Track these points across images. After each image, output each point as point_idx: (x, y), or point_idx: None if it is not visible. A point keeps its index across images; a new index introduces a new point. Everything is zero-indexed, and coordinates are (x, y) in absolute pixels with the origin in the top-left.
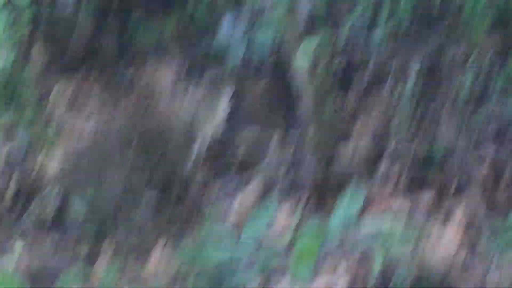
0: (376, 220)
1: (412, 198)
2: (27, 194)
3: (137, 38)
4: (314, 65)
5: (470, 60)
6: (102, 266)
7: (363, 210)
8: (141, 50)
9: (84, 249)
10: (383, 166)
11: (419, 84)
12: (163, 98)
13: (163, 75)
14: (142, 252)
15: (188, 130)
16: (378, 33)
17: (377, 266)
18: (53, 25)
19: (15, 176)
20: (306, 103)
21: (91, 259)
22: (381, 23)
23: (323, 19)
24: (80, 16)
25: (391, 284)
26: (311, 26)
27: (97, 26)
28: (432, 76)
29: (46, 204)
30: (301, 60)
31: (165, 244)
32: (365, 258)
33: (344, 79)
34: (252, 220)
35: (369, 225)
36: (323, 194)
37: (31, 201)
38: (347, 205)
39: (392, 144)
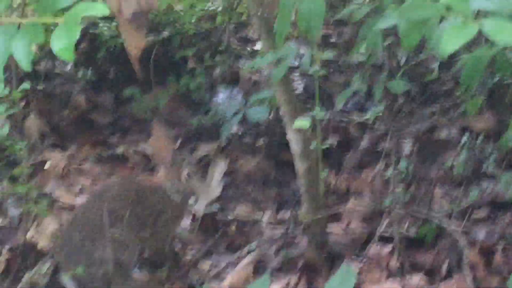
0: None
1: (402, 280)
2: (17, 267)
3: (131, 111)
4: (307, 143)
5: (463, 139)
6: None
7: None
8: (134, 123)
9: None
10: (373, 247)
11: (412, 163)
12: (156, 172)
13: (157, 148)
14: None
15: (180, 205)
16: (372, 111)
17: None
18: (47, 99)
19: (5, 251)
20: (298, 181)
21: None
22: (375, 101)
23: (318, 96)
24: (74, 91)
25: None
26: (305, 103)
27: (91, 100)
28: (425, 155)
29: (37, 278)
30: (294, 137)
31: None
32: None
33: (337, 157)
34: None
35: None
36: (314, 274)
37: (22, 274)
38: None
39: (383, 225)
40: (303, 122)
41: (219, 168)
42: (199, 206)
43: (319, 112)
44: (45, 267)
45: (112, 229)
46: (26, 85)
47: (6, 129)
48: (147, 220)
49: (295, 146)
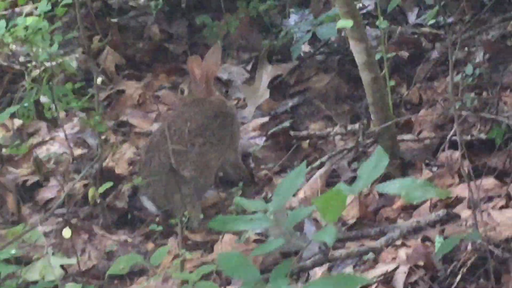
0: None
1: (474, 184)
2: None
3: (204, 38)
4: (370, 53)
5: None
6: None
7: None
8: (208, 50)
9: (150, 246)
10: (444, 154)
11: (484, 70)
12: (230, 95)
13: (231, 72)
14: (208, 245)
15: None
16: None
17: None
18: (121, 32)
19: (84, 178)
20: (367, 94)
21: None
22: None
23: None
24: (147, 22)
25: (453, 263)
26: (371, 21)
27: (165, 30)
28: (497, 62)
29: (117, 201)
30: (356, 49)
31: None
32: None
33: (409, 69)
34: None
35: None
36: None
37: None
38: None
39: (453, 130)
40: (346, 23)
41: (266, 72)
42: (249, 111)
43: (382, 22)
44: (123, 190)
45: (186, 154)
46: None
47: (55, 47)
48: (225, 135)
49: (358, 56)
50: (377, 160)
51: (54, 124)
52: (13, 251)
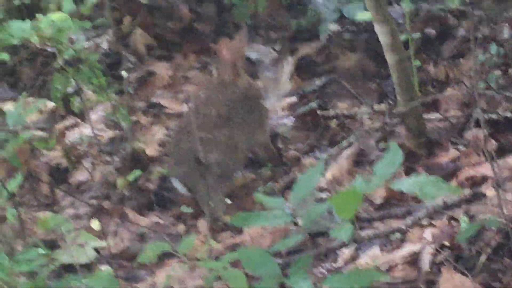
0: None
1: (498, 162)
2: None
3: (232, 18)
4: (394, 35)
5: None
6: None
7: (450, 176)
8: (237, 29)
9: (181, 228)
10: (470, 132)
11: (507, 48)
12: (260, 76)
13: (259, 52)
14: (237, 228)
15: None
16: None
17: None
18: (151, 13)
19: (116, 160)
20: (393, 75)
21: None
22: None
23: None
24: (177, 2)
25: (478, 243)
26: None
27: (194, 10)
28: None
29: (148, 184)
30: (380, 30)
31: None
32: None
33: (436, 47)
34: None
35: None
36: (413, 161)
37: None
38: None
39: (478, 111)
40: (365, 14)
41: (287, 64)
42: (270, 103)
43: (407, 3)
44: (154, 172)
45: (217, 135)
46: None
47: (82, 41)
48: (253, 117)
49: (383, 38)
50: (392, 157)
51: (81, 117)
52: (40, 250)
